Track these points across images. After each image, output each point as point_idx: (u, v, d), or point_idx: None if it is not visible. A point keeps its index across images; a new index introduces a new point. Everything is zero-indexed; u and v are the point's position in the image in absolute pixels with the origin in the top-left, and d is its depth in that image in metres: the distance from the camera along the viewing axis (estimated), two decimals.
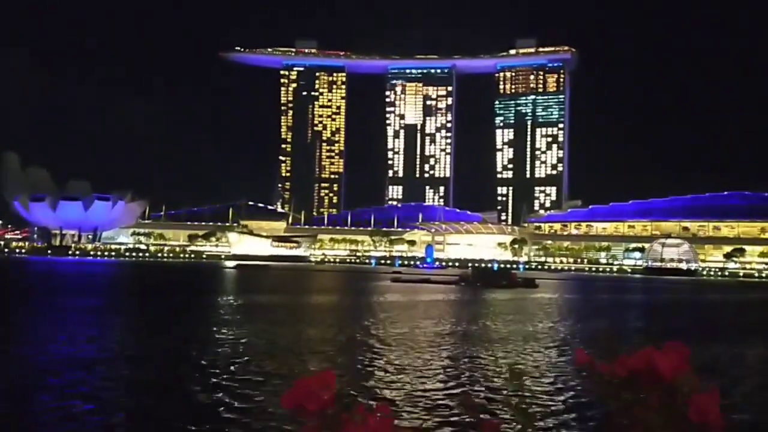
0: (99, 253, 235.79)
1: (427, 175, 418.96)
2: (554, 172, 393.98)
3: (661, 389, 1.08)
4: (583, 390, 16.23)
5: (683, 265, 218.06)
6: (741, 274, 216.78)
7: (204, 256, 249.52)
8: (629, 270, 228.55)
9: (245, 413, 13.89)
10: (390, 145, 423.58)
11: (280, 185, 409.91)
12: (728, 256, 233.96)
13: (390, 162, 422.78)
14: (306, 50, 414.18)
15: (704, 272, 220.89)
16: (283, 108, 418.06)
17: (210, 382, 17.15)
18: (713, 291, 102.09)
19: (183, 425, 13.08)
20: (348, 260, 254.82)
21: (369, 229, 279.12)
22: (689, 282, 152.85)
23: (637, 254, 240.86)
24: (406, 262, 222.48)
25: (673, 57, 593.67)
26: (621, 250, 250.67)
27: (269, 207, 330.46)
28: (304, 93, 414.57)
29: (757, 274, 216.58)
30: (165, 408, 14.53)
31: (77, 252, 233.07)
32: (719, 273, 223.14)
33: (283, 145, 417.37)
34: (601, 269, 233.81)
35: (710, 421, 1.05)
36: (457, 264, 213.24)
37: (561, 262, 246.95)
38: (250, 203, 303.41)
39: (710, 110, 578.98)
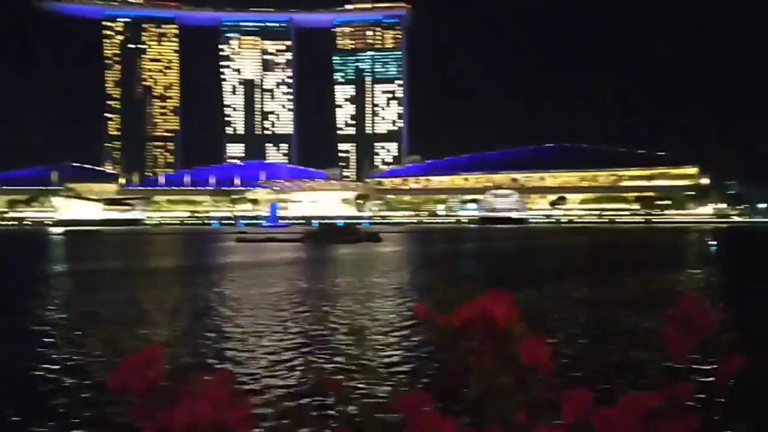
0: None
1: (268, 132, 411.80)
2: (394, 128, 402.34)
3: (494, 336, 1.12)
4: (423, 341, 16.40)
5: (513, 214, 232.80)
6: (564, 221, 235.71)
7: (26, 222, 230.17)
8: (465, 221, 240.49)
9: (72, 396, 12.50)
10: (228, 102, 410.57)
11: (108, 144, 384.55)
12: (553, 204, 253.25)
13: (228, 119, 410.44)
14: (131, 0, 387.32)
15: (532, 220, 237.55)
16: (107, 62, 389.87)
17: (30, 361, 15.37)
18: (540, 237, 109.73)
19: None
20: (188, 222, 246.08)
21: (209, 188, 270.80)
22: (519, 229, 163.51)
23: (472, 205, 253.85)
24: (250, 222, 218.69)
25: (506, 12, 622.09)
26: (457, 202, 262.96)
27: (97, 168, 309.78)
28: (131, 46, 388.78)
29: (577, 220, 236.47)
30: None
31: None
32: (545, 220, 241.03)
33: (110, 102, 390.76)
34: (439, 221, 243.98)
35: (540, 363, 1.10)
36: (302, 221, 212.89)
37: (402, 215, 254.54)
38: (76, 164, 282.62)
39: (541, 66, 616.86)
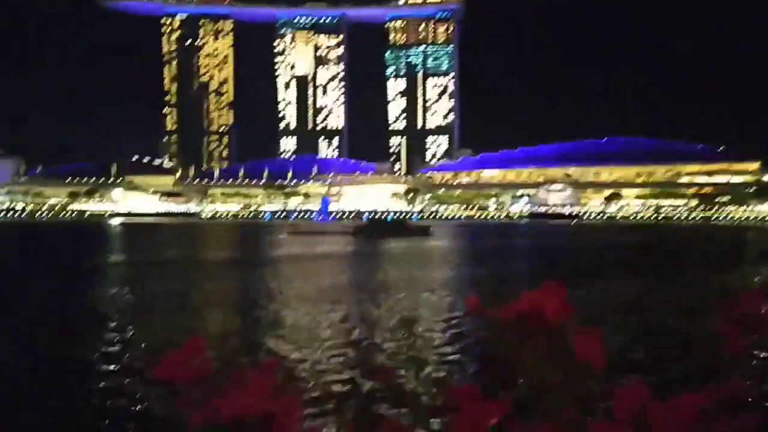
0: None
1: (320, 127, 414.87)
2: (445, 122, 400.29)
3: (546, 331, 1.11)
4: (473, 335, 16.50)
5: (566, 210, 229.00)
6: (619, 217, 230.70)
7: (87, 214, 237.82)
8: (516, 216, 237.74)
9: (128, 383, 13.07)
10: (281, 96, 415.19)
11: (166, 139, 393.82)
12: (607, 200, 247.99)
13: (281, 113, 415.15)
14: None
15: (586, 216, 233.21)
16: (165, 58, 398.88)
17: (92, 351, 16.09)
18: (593, 233, 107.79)
19: (70, 405, 12.14)
20: (241, 215, 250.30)
21: (262, 182, 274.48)
22: (571, 225, 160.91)
23: (524, 200, 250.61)
24: (301, 215, 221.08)
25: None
26: (509, 197, 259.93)
27: (155, 162, 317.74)
28: (188, 42, 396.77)
29: (633, 217, 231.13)
30: (47, 391, 13.46)
31: None
32: (600, 216, 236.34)
33: (167, 97, 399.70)
34: (490, 216, 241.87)
35: (593, 359, 1.08)
36: (352, 215, 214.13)
37: (453, 210, 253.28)
38: (135, 158, 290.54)
39: (594, 60, 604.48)
